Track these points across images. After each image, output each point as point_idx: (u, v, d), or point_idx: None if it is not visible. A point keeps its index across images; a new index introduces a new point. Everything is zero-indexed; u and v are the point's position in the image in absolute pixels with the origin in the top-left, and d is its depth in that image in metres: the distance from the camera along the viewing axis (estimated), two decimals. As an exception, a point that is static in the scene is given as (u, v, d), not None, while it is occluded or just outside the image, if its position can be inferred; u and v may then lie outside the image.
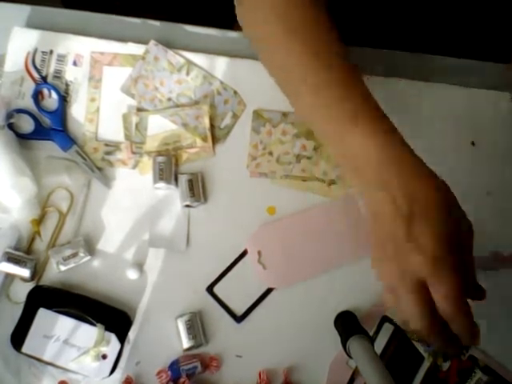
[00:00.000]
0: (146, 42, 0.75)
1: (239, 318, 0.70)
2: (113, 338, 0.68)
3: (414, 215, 0.50)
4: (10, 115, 0.71)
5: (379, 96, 0.75)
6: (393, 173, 0.52)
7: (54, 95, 0.74)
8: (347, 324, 0.68)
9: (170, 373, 0.68)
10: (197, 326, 0.69)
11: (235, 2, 0.63)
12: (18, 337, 0.67)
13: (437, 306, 0.49)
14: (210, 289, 0.71)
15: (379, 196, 0.52)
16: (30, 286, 0.69)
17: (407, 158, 0.53)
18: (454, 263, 0.49)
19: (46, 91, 0.74)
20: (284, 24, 0.60)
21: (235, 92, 0.75)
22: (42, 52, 0.75)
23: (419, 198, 0.50)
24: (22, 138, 0.73)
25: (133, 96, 0.75)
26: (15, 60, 0.75)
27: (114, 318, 0.68)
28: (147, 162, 0.73)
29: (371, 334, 0.68)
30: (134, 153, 0.73)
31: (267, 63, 0.63)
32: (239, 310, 0.70)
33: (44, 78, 0.75)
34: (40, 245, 0.71)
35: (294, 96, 0.61)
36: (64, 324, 0.68)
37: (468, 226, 0.52)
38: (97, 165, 0.73)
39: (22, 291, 0.69)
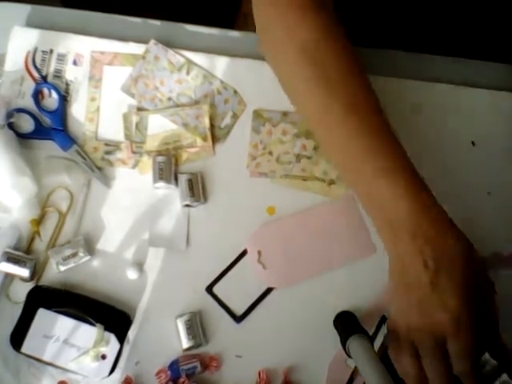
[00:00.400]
0: (146, 42, 0.75)
1: (239, 318, 0.70)
2: (112, 337, 0.67)
3: (440, 269, 0.52)
4: (10, 115, 0.71)
5: (379, 96, 0.75)
6: (421, 225, 0.54)
7: (54, 95, 0.74)
8: (347, 324, 0.68)
9: (169, 373, 0.68)
10: (196, 325, 0.68)
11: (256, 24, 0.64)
12: (18, 337, 0.67)
13: (451, 361, 0.52)
14: (209, 289, 0.71)
15: (407, 247, 0.54)
16: (30, 285, 0.69)
17: (435, 212, 0.54)
18: (474, 324, 0.51)
19: (46, 91, 0.74)
20: (315, 71, 0.59)
21: (235, 91, 0.75)
22: (42, 51, 0.75)
23: (446, 252, 0.52)
24: (22, 137, 0.73)
25: (133, 95, 0.74)
26: (15, 59, 0.75)
27: (113, 318, 0.68)
28: (147, 162, 0.73)
29: (371, 333, 0.68)
30: (133, 152, 0.73)
31: (296, 103, 0.64)
32: (239, 309, 0.70)
33: (44, 78, 0.75)
34: (40, 245, 0.71)
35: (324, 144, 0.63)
36: (64, 324, 0.68)
37: (490, 283, 0.55)
38: (97, 164, 0.73)
39: (21, 291, 0.69)
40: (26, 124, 0.73)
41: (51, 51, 0.75)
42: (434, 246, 0.53)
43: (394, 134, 0.59)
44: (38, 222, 0.71)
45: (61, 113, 0.74)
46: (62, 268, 0.69)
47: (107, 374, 0.67)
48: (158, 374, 0.68)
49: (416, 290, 0.53)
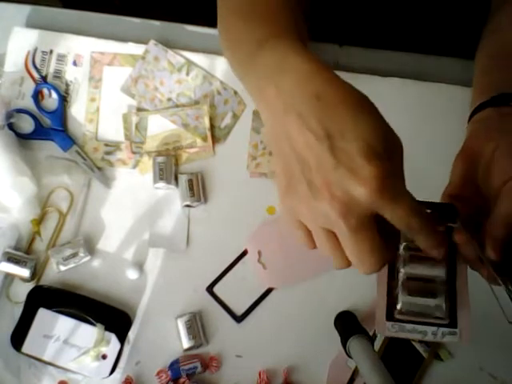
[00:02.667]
0: (145, 42, 0.75)
1: (239, 318, 0.70)
2: (113, 338, 0.68)
3: (332, 135, 0.43)
4: (9, 115, 0.71)
5: (379, 96, 0.75)
6: (294, 90, 0.45)
7: (54, 95, 0.74)
8: (347, 324, 0.68)
9: (169, 373, 0.68)
10: (197, 326, 0.68)
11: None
12: (18, 337, 0.67)
13: (396, 226, 0.44)
14: (209, 289, 0.71)
15: (286, 120, 0.45)
16: (30, 285, 0.69)
17: (308, 68, 0.45)
18: (399, 184, 0.44)
19: (45, 91, 0.74)
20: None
21: (235, 92, 0.75)
22: (42, 52, 0.75)
23: (335, 113, 0.43)
24: (22, 137, 0.73)
25: (133, 96, 0.75)
26: (15, 60, 0.75)
27: (113, 318, 0.68)
28: (147, 162, 0.73)
29: (371, 334, 0.68)
30: (133, 153, 0.73)
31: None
32: (239, 309, 0.70)
33: (44, 78, 0.75)
34: (40, 245, 0.71)
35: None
36: (64, 324, 0.68)
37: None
38: (97, 165, 0.73)
39: (21, 291, 0.69)
40: (26, 124, 0.73)
41: (51, 52, 0.75)
42: (315, 108, 0.43)
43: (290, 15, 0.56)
44: (39, 222, 0.71)
45: (61, 113, 0.74)
46: (63, 268, 0.69)
47: (108, 373, 0.67)
48: (158, 374, 0.68)
49: (300, 174, 0.44)
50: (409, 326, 0.47)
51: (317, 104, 0.44)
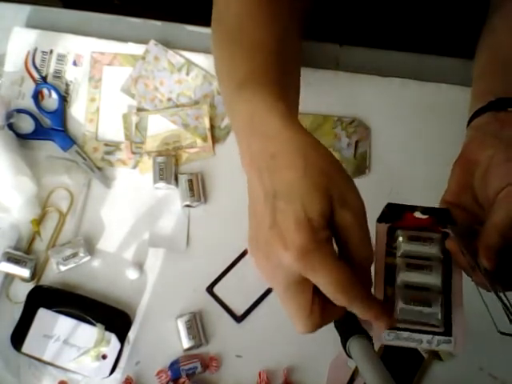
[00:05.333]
0: (146, 42, 0.75)
1: (239, 318, 0.70)
2: (113, 338, 0.68)
3: (276, 195, 0.44)
4: (9, 115, 0.71)
5: (379, 96, 0.75)
6: (259, 146, 0.47)
7: (54, 95, 0.74)
8: (347, 324, 0.68)
9: (169, 373, 0.68)
10: (197, 326, 0.68)
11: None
12: (18, 337, 0.67)
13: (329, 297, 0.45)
14: (209, 289, 0.71)
15: (251, 173, 0.48)
16: (30, 285, 0.69)
17: (272, 126, 0.47)
18: (323, 254, 0.43)
19: (45, 91, 0.74)
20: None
21: (235, 92, 0.75)
22: (42, 52, 0.75)
23: (283, 175, 0.45)
24: (22, 138, 0.73)
25: (133, 96, 0.75)
26: (15, 60, 0.75)
27: (114, 318, 0.68)
28: (147, 162, 0.73)
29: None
30: (133, 153, 0.73)
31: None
32: (239, 310, 0.70)
33: (44, 78, 0.75)
34: (40, 245, 0.71)
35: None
36: (64, 324, 0.68)
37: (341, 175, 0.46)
38: (97, 165, 0.73)
39: (21, 291, 0.69)
40: (26, 124, 0.73)
41: (51, 52, 0.75)
42: (270, 166, 0.45)
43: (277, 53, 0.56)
44: (39, 222, 0.71)
45: (61, 113, 0.74)
46: (63, 268, 0.69)
47: (108, 373, 0.67)
48: (158, 374, 0.68)
49: (260, 230, 0.46)
50: (405, 334, 0.47)
51: (271, 163, 0.46)
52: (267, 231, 0.44)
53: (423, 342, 0.47)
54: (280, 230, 0.43)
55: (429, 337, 0.47)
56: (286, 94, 0.52)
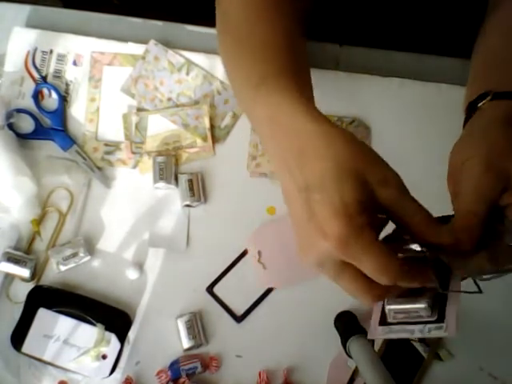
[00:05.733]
0: (146, 42, 0.75)
1: (239, 318, 0.70)
2: (113, 338, 0.68)
3: (309, 188, 0.45)
4: (9, 115, 0.71)
5: (379, 96, 0.75)
6: (285, 144, 0.48)
7: (54, 95, 0.74)
8: (347, 324, 0.68)
9: (169, 373, 0.68)
10: (197, 326, 0.69)
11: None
12: (18, 337, 0.67)
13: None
14: (210, 289, 0.71)
15: (281, 172, 0.48)
16: (30, 285, 0.69)
17: (296, 122, 0.48)
18: (364, 241, 0.43)
19: (45, 91, 0.74)
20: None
21: (235, 92, 0.75)
22: (42, 52, 0.75)
23: (313, 167, 0.45)
24: (22, 137, 0.73)
25: (133, 96, 0.75)
26: (15, 60, 0.75)
27: (114, 318, 0.68)
28: (147, 162, 0.73)
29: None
30: (133, 153, 0.73)
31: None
32: (239, 310, 0.70)
33: (44, 78, 0.75)
34: (40, 245, 0.71)
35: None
36: (64, 324, 0.68)
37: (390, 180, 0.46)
38: (97, 164, 0.73)
39: (21, 291, 0.69)
40: (26, 124, 0.73)
41: (51, 51, 0.75)
42: (299, 162, 0.46)
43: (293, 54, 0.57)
44: (39, 222, 0.71)
45: (61, 113, 0.74)
46: (63, 268, 0.69)
47: (108, 373, 0.67)
48: (158, 374, 0.68)
49: (296, 224, 0.47)
50: (397, 327, 0.48)
51: (301, 158, 0.46)
52: (306, 225, 0.45)
53: (415, 332, 0.47)
54: (318, 220, 0.44)
55: (420, 326, 0.47)
56: (303, 89, 0.53)
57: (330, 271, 0.46)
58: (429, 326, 0.46)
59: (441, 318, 0.46)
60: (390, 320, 0.48)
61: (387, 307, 0.48)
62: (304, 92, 0.53)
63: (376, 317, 0.49)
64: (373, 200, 0.45)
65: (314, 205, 0.44)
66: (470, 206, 0.47)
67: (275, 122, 0.50)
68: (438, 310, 0.46)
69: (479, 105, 0.54)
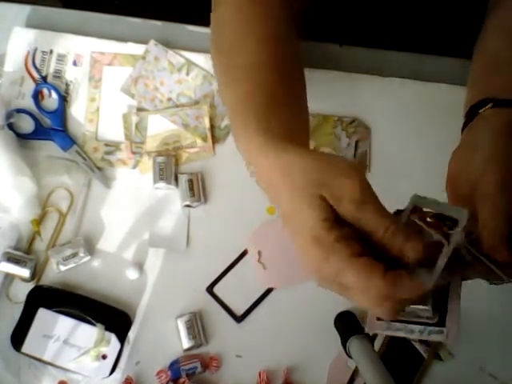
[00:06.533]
0: (146, 42, 0.75)
1: (239, 318, 0.70)
2: (113, 338, 0.68)
3: (284, 220, 0.47)
4: (9, 115, 0.71)
5: (379, 96, 0.75)
6: (260, 177, 0.50)
7: (54, 95, 0.74)
8: (347, 324, 0.68)
9: (169, 373, 0.68)
10: (197, 326, 0.69)
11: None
12: (18, 337, 0.67)
13: None
14: (210, 289, 0.71)
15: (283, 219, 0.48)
16: (30, 285, 0.69)
17: (260, 160, 0.50)
18: (338, 258, 0.42)
19: (45, 91, 0.74)
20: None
21: (235, 92, 0.75)
22: (42, 52, 0.75)
23: (280, 200, 0.47)
24: (22, 137, 0.73)
25: (133, 96, 0.75)
26: (15, 60, 0.75)
27: (114, 318, 0.68)
28: (147, 162, 0.73)
29: (371, 334, 0.68)
30: (133, 153, 0.73)
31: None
32: (239, 309, 0.70)
33: (44, 78, 0.75)
34: (40, 245, 0.71)
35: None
36: (64, 324, 0.68)
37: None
38: (97, 165, 0.73)
39: (21, 291, 0.69)
40: (26, 124, 0.73)
41: (51, 51, 0.75)
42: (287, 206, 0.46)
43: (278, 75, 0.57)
44: (39, 222, 0.71)
45: (61, 113, 0.74)
46: (63, 268, 0.69)
47: (108, 373, 0.67)
48: (158, 374, 0.68)
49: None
50: (397, 325, 0.47)
51: (271, 191, 0.49)
52: (299, 257, 0.46)
53: (415, 332, 0.47)
54: (298, 250, 0.46)
55: (421, 327, 0.47)
56: (274, 116, 0.53)
57: (338, 292, 0.45)
58: (430, 328, 0.46)
59: (441, 322, 0.46)
60: None
61: None
62: (277, 120, 0.53)
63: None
64: (337, 215, 0.44)
65: (292, 235, 0.46)
66: (495, 225, 0.46)
67: (253, 160, 0.51)
68: (439, 313, 0.46)
69: (480, 111, 0.54)
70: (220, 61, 0.61)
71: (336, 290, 0.45)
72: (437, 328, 0.46)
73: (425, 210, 0.46)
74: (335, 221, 0.44)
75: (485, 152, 0.50)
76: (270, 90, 0.55)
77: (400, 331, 0.47)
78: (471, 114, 0.55)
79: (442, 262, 0.43)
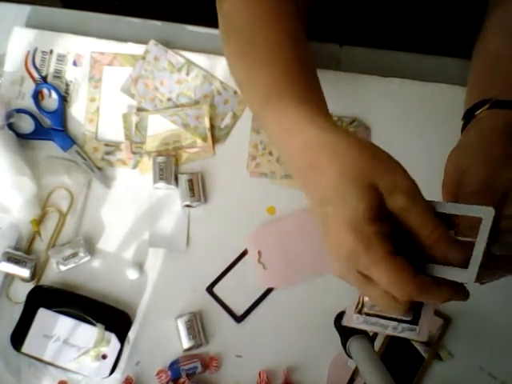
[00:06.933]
0: (145, 42, 0.75)
1: (239, 318, 0.70)
2: (113, 338, 0.68)
3: (322, 201, 0.45)
4: (9, 115, 0.71)
5: (379, 96, 0.75)
6: (299, 159, 0.49)
7: (54, 95, 0.74)
8: (347, 324, 0.68)
9: (169, 373, 0.68)
10: (197, 326, 0.69)
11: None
12: (18, 337, 0.67)
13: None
14: (210, 289, 0.71)
15: (303, 190, 0.48)
16: (30, 285, 0.69)
17: (305, 136, 0.48)
18: (374, 253, 0.42)
19: (45, 91, 0.74)
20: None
21: (235, 92, 0.75)
22: (42, 52, 0.75)
23: (323, 180, 0.46)
24: (22, 137, 0.73)
25: (133, 96, 0.75)
26: (15, 60, 0.75)
27: (114, 318, 0.69)
28: (147, 162, 0.73)
29: (371, 334, 0.68)
30: (133, 153, 0.73)
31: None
32: (239, 309, 0.70)
33: (44, 78, 0.75)
34: (40, 245, 0.71)
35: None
36: (64, 324, 0.68)
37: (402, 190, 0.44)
38: (97, 165, 0.73)
39: (22, 291, 0.69)
40: (26, 124, 0.73)
41: (51, 52, 0.75)
42: (310, 178, 0.46)
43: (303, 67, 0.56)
44: (39, 222, 0.71)
45: (61, 113, 0.74)
46: (63, 268, 0.69)
47: (108, 373, 0.67)
48: (158, 374, 0.68)
49: (321, 237, 0.47)
50: (372, 319, 0.49)
51: (311, 172, 0.47)
52: (325, 239, 0.45)
53: (388, 328, 0.48)
54: (331, 234, 0.44)
55: (395, 323, 0.47)
56: (311, 95, 0.53)
57: (356, 283, 0.45)
58: (403, 325, 0.47)
59: (415, 320, 0.47)
60: (366, 310, 0.49)
61: (365, 297, 0.48)
62: (312, 99, 0.52)
63: (354, 304, 0.50)
64: (384, 207, 0.44)
65: (327, 218, 0.45)
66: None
67: (287, 135, 0.50)
68: (414, 311, 0.47)
69: (476, 113, 0.54)
70: (238, 48, 0.60)
71: (355, 281, 0.45)
72: (410, 325, 0.46)
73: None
74: (378, 214, 0.43)
75: (473, 153, 0.51)
76: (298, 73, 0.55)
77: (375, 326, 0.48)
78: (468, 116, 0.55)
79: (477, 258, 0.43)
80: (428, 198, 0.48)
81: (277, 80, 0.54)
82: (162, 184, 0.71)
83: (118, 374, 0.68)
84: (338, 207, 0.44)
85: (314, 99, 0.52)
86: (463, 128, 0.56)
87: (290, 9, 0.60)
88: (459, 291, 0.44)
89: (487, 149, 0.50)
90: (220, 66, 0.75)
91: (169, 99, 0.75)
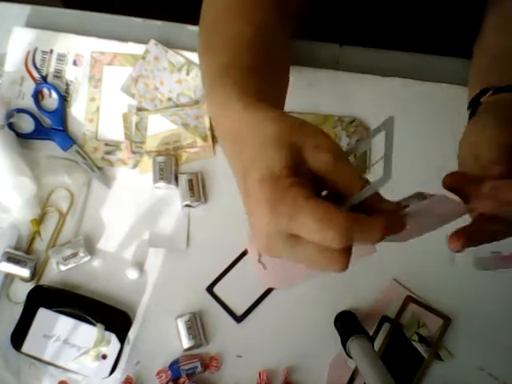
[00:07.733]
0: (146, 42, 0.75)
1: (239, 318, 0.70)
2: (113, 337, 0.68)
3: (245, 170, 0.44)
4: (10, 115, 0.71)
5: (379, 96, 0.75)
6: (229, 139, 0.49)
7: (54, 95, 0.74)
8: (347, 324, 0.68)
9: (170, 373, 0.68)
10: (197, 326, 0.69)
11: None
12: (18, 337, 0.67)
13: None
14: (210, 289, 0.71)
15: (231, 167, 0.49)
16: (30, 285, 0.69)
17: (235, 116, 0.48)
18: (293, 198, 0.40)
19: (46, 91, 0.74)
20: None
21: (235, 92, 0.75)
22: (42, 51, 0.75)
23: (247, 150, 0.45)
24: (22, 137, 0.73)
25: (133, 96, 0.74)
26: (15, 60, 0.75)
27: (114, 318, 0.69)
28: (147, 162, 0.73)
29: (371, 334, 0.68)
30: (134, 152, 0.73)
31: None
32: (239, 309, 0.70)
33: (44, 78, 0.75)
34: (40, 245, 0.71)
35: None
36: (64, 324, 0.68)
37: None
38: (97, 164, 0.73)
39: (22, 291, 0.69)
40: (26, 124, 0.73)
41: (51, 51, 0.75)
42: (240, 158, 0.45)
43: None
44: (39, 222, 0.71)
45: (61, 113, 0.74)
46: (63, 268, 0.69)
47: (108, 373, 0.67)
48: (158, 373, 0.68)
49: (246, 212, 0.46)
50: None
51: (237, 147, 0.47)
52: (247, 207, 0.44)
53: None
54: (250, 194, 0.43)
55: None
56: (259, 88, 0.52)
57: (286, 249, 0.42)
58: None
59: None
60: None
61: None
62: (262, 92, 0.51)
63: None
64: (305, 168, 0.42)
65: (248, 183, 0.43)
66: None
67: (221, 121, 0.51)
68: None
69: (482, 99, 0.55)
70: (202, 36, 0.61)
71: (284, 247, 0.42)
72: None
73: None
74: (298, 173, 0.42)
75: (490, 132, 0.51)
76: (251, 64, 0.55)
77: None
78: (474, 104, 0.56)
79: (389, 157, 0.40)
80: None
81: (225, 68, 0.54)
82: (162, 184, 0.71)
83: (118, 373, 0.68)
84: (257, 167, 0.42)
85: (262, 92, 0.51)
86: (470, 118, 0.57)
87: (267, 1, 0.60)
88: (394, 219, 0.41)
89: (505, 121, 0.51)
90: (220, 66, 0.75)
91: (169, 99, 0.75)
